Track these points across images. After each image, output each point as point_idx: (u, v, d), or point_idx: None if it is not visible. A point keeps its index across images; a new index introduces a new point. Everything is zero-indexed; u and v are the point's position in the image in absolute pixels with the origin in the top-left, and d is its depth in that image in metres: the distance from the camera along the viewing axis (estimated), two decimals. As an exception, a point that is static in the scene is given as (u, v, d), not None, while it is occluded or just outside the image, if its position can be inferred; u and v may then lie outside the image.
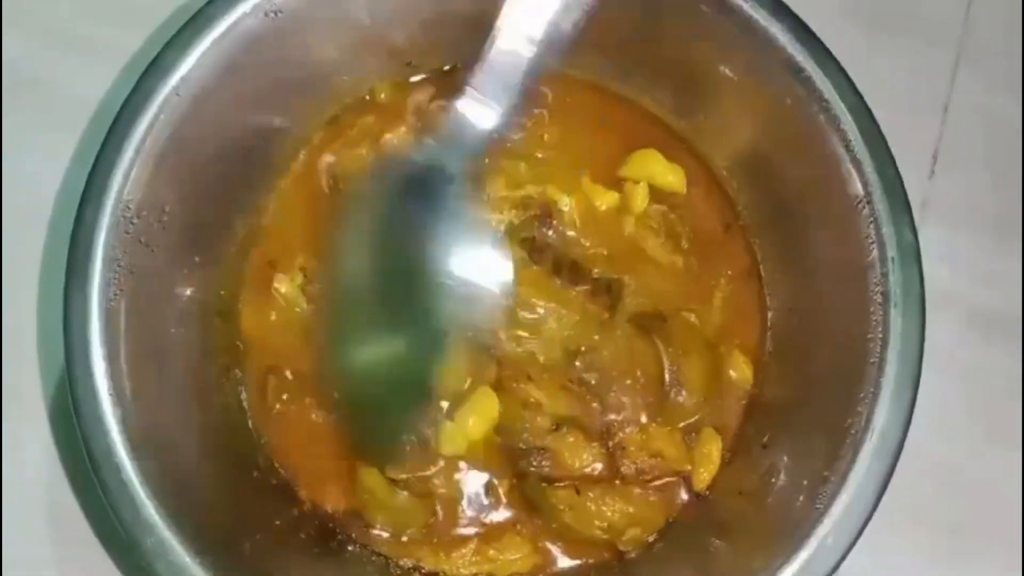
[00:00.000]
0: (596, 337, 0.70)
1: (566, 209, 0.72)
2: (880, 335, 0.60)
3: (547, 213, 0.72)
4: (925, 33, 0.87)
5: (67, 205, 0.76)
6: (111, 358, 0.57)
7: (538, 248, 0.71)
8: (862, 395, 0.59)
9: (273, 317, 0.70)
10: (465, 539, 0.67)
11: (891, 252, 0.60)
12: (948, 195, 0.83)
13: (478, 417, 0.68)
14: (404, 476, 0.67)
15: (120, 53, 0.81)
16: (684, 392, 0.69)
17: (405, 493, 0.66)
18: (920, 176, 0.83)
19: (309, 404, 0.69)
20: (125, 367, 0.58)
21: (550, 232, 0.72)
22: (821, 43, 0.63)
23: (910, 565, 0.75)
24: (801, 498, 0.60)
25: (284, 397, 0.69)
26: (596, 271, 0.71)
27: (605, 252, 0.72)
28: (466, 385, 0.69)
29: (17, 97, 0.81)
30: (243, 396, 0.69)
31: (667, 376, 0.69)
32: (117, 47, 0.81)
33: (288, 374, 0.69)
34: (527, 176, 0.73)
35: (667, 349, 0.69)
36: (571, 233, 0.72)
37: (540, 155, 0.74)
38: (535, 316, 0.70)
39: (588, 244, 0.72)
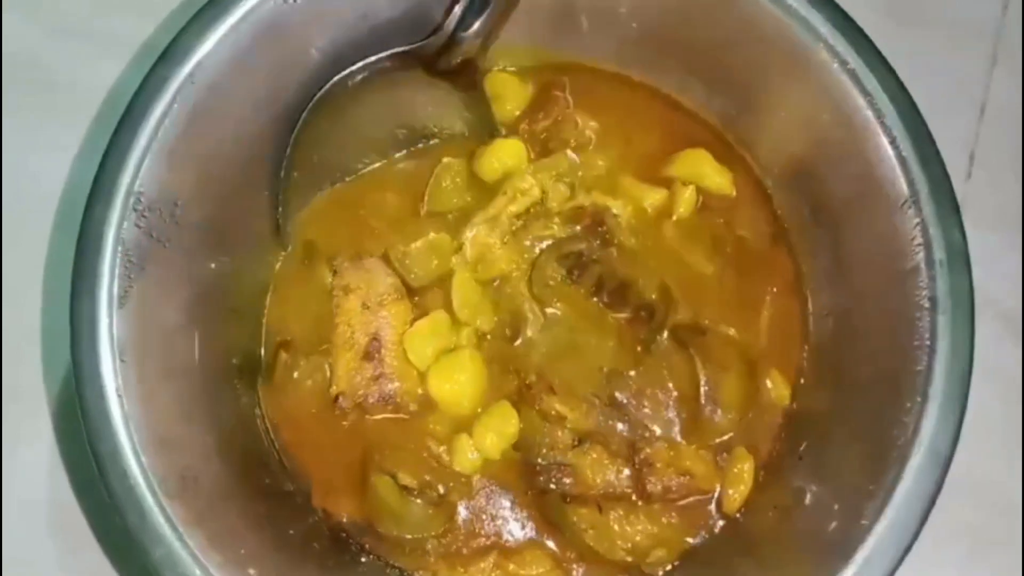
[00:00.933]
0: (631, 372, 0.67)
1: (618, 213, 0.70)
2: (927, 343, 0.57)
3: (599, 222, 0.69)
4: (961, 31, 0.85)
5: (73, 199, 0.75)
6: (120, 357, 0.55)
7: (582, 264, 0.68)
8: (908, 406, 0.56)
9: (294, 311, 0.69)
10: (484, 553, 0.65)
11: (938, 255, 0.58)
12: (985, 197, 0.81)
13: (495, 434, 0.65)
14: (417, 484, 0.65)
15: (130, 42, 0.79)
16: (719, 410, 0.66)
17: (419, 501, 0.64)
18: (957, 178, 0.80)
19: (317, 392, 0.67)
20: (134, 366, 0.56)
21: (599, 244, 0.69)
22: (864, 34, 0.61)
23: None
24: (841, 514, 0.57)
25: (295, 375, 0.67)
26: (642, 299, 0.68)
27: (649, 265, 0.69)
28: (483, 399, 0.67)
29: (22, 87, 0.80)
30: (257, 394, 0.68)
31: (702, 393, 0.66)
32: (127, 36, 0.79)
33: (300, 359, 0.68)
34: (564, 168, 0.71)
35: (704, 364, 0.66)
36: (625, 241, 0.69)
37: (574, 143, 0.71)
38: (565, 338, 0.68)
39: (636, 255, 0.69)
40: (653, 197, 0.70)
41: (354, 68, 0.64)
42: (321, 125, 0.66)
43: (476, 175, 0.70)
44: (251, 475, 0.63)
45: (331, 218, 0.71)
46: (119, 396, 0.54)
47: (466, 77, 0.68)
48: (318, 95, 0.64)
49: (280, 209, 0.67)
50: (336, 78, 0.64)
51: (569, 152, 0.71)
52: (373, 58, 0.64)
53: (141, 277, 0.57)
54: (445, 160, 0.71)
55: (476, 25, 0.63)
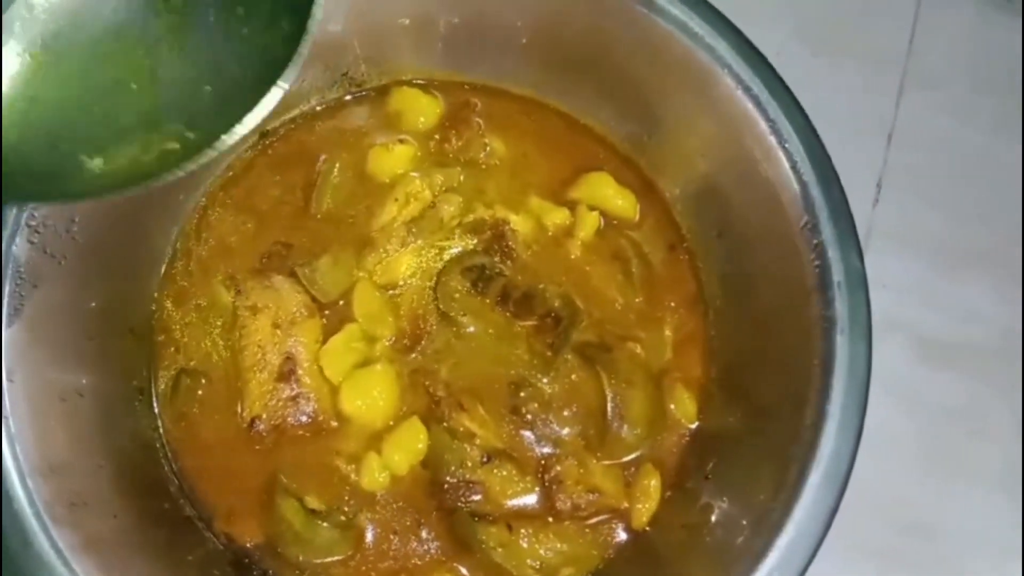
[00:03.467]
0: (542, 377, 0.67)
1: (517, 229, 0.70)
2: (826, 361, 0.58)
3: (499, 235, 0.70)
4: (869, 61, 0.88)
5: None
6: (8, 376, 0.54)
7: (486, 277, 0.68)
8: (808, 422, 0.57)
9: (194, 331, 0.68)
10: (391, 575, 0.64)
11: (837, 277, 0.59)
12: (892, 223, 0.83)
13: (404, 451, 0.65)
14: (324, 507, 0.64)
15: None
16: (626, 426, 0.66)
17: (325, 524, 0.63)
18: (865, 203, 0.83)
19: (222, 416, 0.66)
20: (24, 386, 0.54)
21: (499, 259, 0.69)
22: (767, 62, 0.63)
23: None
24: (747, 529, 0.58)
25: (199, 394, 0.66)
26: (547, 306, 0.68)
27: (553, 278, 0.70)
28: (395, 413, 0.66)
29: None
30: (157, 418, 0.66)
31: (610, 409, 0.66)
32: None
33: (203, 379, 0.66)
34: (468, 187, 0.71)
35: (610, 381, 0.66)
36: (524, 255, 0.70)
37: (483, 165, 0.72)
38: (474, 348, 0.68)
39: (538, 269, 0.70)
40: (554, 216, 0.71)
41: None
42: None
43: (367, 174, 0.71)
44: (148, 500, 0.61)
45: (219, 228, 0.70)
46: (5, 418, 0.53)
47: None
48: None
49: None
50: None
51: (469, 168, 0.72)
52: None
53: (33, 295, 0.55)
54: (325, 157, 0.71)
55: None
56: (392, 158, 0.71)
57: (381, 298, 0.69)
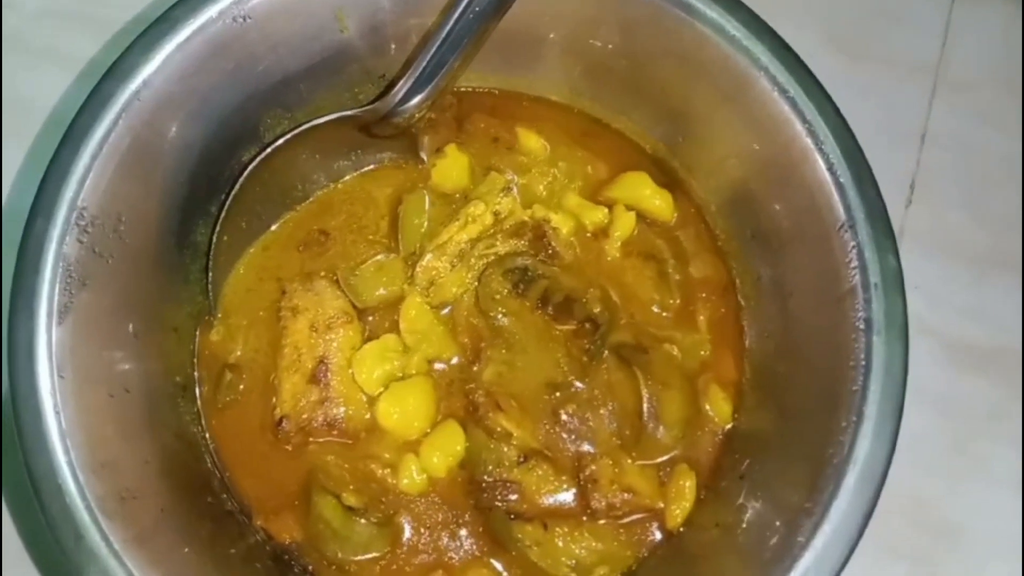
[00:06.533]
0: (576, 382, 0.67)
1: (557, 227, 0.70)
2: (862, 363, 0.58)
3: (540, 235, 0.70)
4: (902, 65, 0.88)
5: (16, 213, 0.74)
6: (59, 373, 0.54)
7: (528, 279, 0.69)
8: (844, 424, 0.57)
9: (238, 330, 0.69)
10: (428, 571, 0.64)
11: (874, 278, 0.59)
12: (925, 225, 0.83)
13: (442, 454, 0.65)
14: (362, 504, 0.64)
15: (77, 59, 0.79)
16: (662, 427, 0.66)
17: (363, 521, 0.63)
18: (898, 206, 0.83)
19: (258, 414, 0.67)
20: (73, 383, 0.55)
21: (544, 258, 0.70)
22: (803, 63, 0.63)
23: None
24: (781, 530, 0.58)
25: (240, 389, 0.67)
26: (586, 312, 0.68)
27: (591, 279, 0.70)
28: (431, 423, 0.66)
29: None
30: (200, 414, 0.67)
31: (645, 409, 0.66)
32: (75, 53, 0.79)
33: (244, 376, 0.67)
34: (502, 184, 0.71)
35: (647, 382, 0.66)
36: (566, 254, 0.70)
37: (524, 159, 0.73)
38: (513, 349, 0.68)
39: (577, 270, 0.70)
40: (593, 215, 0.71)
41: (289, 136, 0.65)
42: (253, 188, 0.66)
43: (435, 203, 0.71)
44: (192, 495, 0.62)
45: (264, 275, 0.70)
46: (57, 414, 0.53)
47: (399, 140, 0.69)
48: (252, 165, 0.65)
49: (210, 276, 0.67)
50: (270, 148, 0.65)
51: (510, 173, 0.72)
52: (307, 124, 0.65)
53: (82, 293, 0.56)
54: (406, 198, 0.71)
55: (417, 99, 0.64)
56: (450, 163, 0.71)
57: (431, 315, 0.68)
